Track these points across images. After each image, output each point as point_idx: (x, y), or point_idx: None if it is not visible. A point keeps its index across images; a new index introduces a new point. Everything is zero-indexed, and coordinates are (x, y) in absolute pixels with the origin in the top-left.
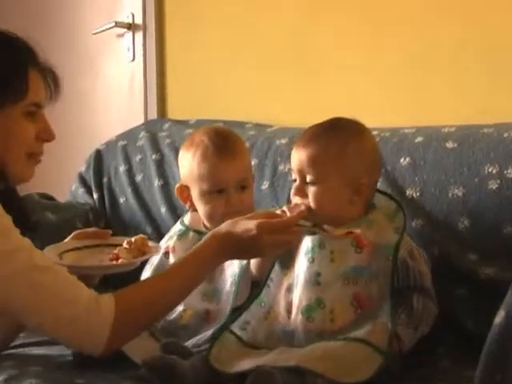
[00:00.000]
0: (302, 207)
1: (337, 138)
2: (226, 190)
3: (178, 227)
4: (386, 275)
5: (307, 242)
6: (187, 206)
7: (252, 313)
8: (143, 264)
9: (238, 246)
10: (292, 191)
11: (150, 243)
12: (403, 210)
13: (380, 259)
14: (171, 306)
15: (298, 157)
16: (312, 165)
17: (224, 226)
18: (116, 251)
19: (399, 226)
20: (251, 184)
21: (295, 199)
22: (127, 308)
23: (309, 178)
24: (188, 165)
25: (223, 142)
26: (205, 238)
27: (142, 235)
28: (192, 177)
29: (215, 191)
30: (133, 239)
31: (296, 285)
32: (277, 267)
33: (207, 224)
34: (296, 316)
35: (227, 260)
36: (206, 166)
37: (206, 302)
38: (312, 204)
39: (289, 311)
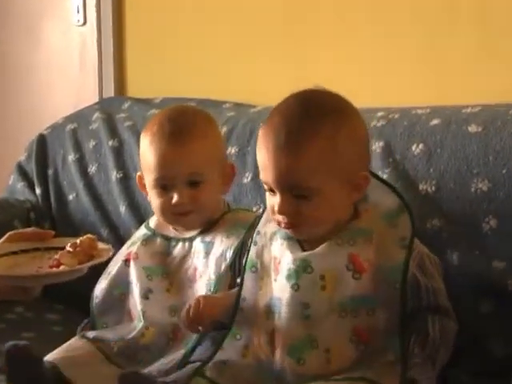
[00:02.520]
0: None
1: (323, 128)
2: (173, 185)
3: (142, 231)
4: (393, 304)
5: (287, 260)
6: (148, 197)
7: (227, 350)
8: (96, 272)
9: None
10: (275, 208)
11: (100, 245)
12: (409, 208)
13: (385, 286)
14: None
15: (276, 166)
16: (302, 176)
17: None
18: (57, 256)
19: (405, 235)
20: (212, 178)
21: (278, 218)
22: None
23: (299, 192)
24: (141, 151)
25: (175, 125)
26: None
27: (89, 235)
28: (143, 166)
29: (160, 185)
30: (78, 241)
31: (278, 312)
32: (249, 278)
33: (164, 222)
34: (282, 356)
35: None
36: (152, 154)
37: (174, 318)
38: (308, 222)
39: (271, 344)
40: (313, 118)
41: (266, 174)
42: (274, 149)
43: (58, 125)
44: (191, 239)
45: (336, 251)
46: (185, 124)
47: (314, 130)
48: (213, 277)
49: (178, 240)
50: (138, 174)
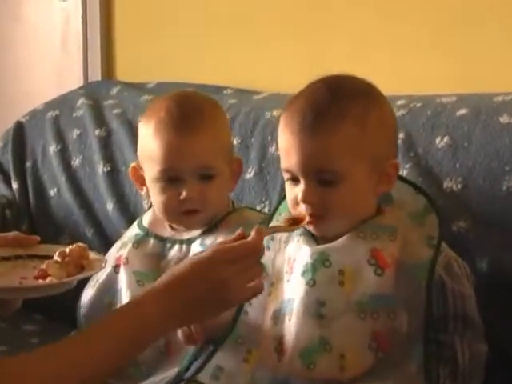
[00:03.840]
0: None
1: (352, 109)
2: (181, 179)
3: (134, 231)
4: (417, 306)
5: (304, 255)
6: (142, 192)
7: (225, 354)
8: (83, 283)
9: (190, 296)
10: (298, 197)
11: (92, 254)
12: (437, 208)
13: (409, 284)
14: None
15: (302, 149)
16: (329, 159)
17: (169, 271)
18: (44, 266)
19: (432, 235)
20: (223, 172)
21: (302, 208)
22: None
23: (325, 177)
24: (142, 139)
25: (184, 112)
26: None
27: (80, 244)
28: (143, 156)
29: (166, 179)
30: (67, 249)
31: (289, 313)
32: None
33: (166, 221)
34: (291, 360)
35: (179, 325)
36: (157, 144)
37: None
38: (332, 212)
39: (279, 351)
40: (342, 100)
41: (290, 159)
42: (299, 131)
43: (38, 111)
44: (189, 241)
45: (357, 244)
46: (196, 110)
47: (343, 112)
48: None
49: (174, 241)
50: (133, 164)
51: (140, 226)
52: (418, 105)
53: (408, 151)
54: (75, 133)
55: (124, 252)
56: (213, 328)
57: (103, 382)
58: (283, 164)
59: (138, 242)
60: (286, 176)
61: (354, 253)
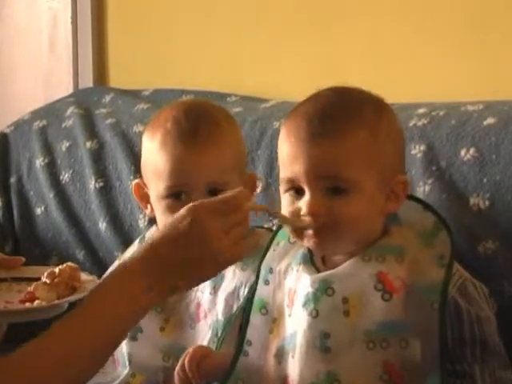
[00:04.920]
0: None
1: (363, 115)
2: (188, 195)
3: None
4: (430, 333)
5: (304, 284)
6: (147, 211)
7: None
8: (74, 306)
9: (170, 257)
10: (304, 209)
11: (84, 276)
12: (447, 225)
13: (420, 309)
14: (83, 377)
15: (309, 155)
16: (340, 165)
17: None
18: (31, 288)
19: (443, 254)
20: (234, 187)
21: (305, 223)
22: None
23: (336, 185)
24: (146, 153)
25: (193, 123)
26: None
27: (70, 264)
28: (148, 171)
29: (173, 195)
30: (56, 270)
31: (292, 350)
32: (257, 320)
33: None
34: None
35: (166, 294)
36: (164, 158)
37: (169, 363)
38: (340, 225)
39: None
40: (352, 105)
41: (294, 167)
42: (306, 136)
43: (23, 121)
44: None
45: (362, 269)
46: (206, 121)
47: (354, 117)
48: (221, 318)
49: None
50: (137, 181)
51: None
52: (441, 113)
53: (430, 165)
54: (64, 145)
55: None
56: (210, 371)
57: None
58: (286, 173)
59: None
60: (285, 188)
61: (358, 278)
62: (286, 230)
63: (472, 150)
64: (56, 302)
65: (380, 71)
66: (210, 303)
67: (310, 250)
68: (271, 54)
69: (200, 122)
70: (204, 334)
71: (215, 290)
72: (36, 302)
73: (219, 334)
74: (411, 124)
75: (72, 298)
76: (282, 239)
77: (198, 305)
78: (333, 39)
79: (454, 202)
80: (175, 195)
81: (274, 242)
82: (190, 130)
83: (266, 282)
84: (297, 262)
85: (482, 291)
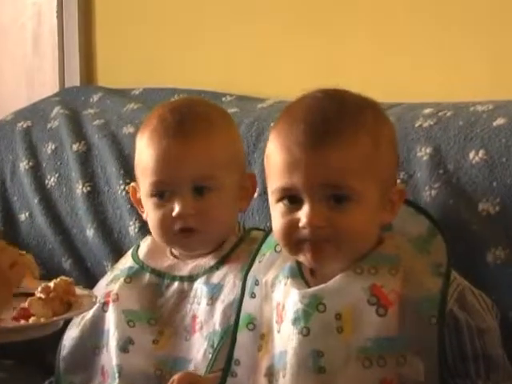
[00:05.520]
0: None
1: (364, 120)
2: (175, 193)
3: (127, 262)
4: (429, 348)
5: (293, 300)
6: (144, 215)
7: None
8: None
9: None
10: (302, 221)
11: (78, 290)
12: (441, 230)
13: (417, 323)
14: None
15: (311, 162)
16: (344, 173)
17: None
18: (25, 304)
19: (440, 261)
20: (227, 186)
21: (302, 235)
22: None
23: (338, 194)
24: (137, 153)
25: (179, 118)
26: None
27: (64, 277)
28: (137, 171)
29: (160, 193)
30: (51, 284)
31: (283, 369)
32: (245, 337)
33: (164, 244)
34: None
35: None
36: (149, 154)
37: (160, 377)
38: (340, 236)
39: None
40: (352, 110)
41: (292, 176)
42: (307, 142)
43: (6, 122)
44: (191, 278)
45: (354, 282)
46: (193, 114)
47: (356, 122)
48: (218, 329)
49: (173, 278)
50: (132, 184)
51: (134, 257)
52: (449, 114)
53: (437, 168)
54: (50, 147)
55: (114, 287)
56: None
57: None
58: (281, 182)
59: (132, 277)
60: (279, 197)
61: (351, 293)
62: (272, 240)
63: (481, 153)
64: (54, 318)
65: (383, 69)
66: (206, 314)
67: (298, 262)
68: (268, 51)
69: (186, 117)
70: (199, 345)
71: (212, 300)
72: (31, 320)
73: (215, 345)
74: (417, 125)
75: (70, 314)
76: (268, 249)
77: (194, 317)
78: (333, 35)
79: (461, 208)
80: (162, 193)
81: (260, 253)
82: (176, 124)
83: (253, 295)
84: (284, 274)
85: (483, 300)
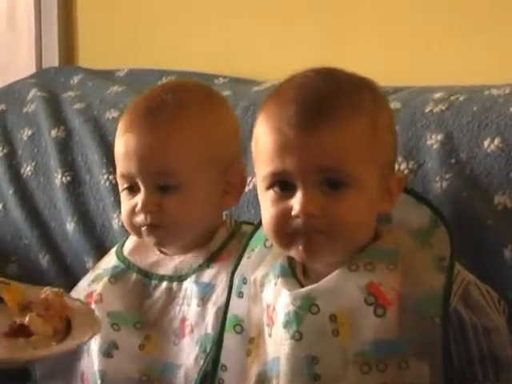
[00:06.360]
0: None
1: (362, 99)
2: (140, 187)
3: (111, 261)
4: (433, 350)
5: (284, 301)
6: None
7: None
8: None
9: None
10: (295, 209)
11: (67, 300)
12: (445, 221)
13: (419, 323)
14: None
15: (304, 145)
16: (340, 155)
17: None
18: (26, 321)
19: (443, 255)
20: (196, 183)
21: (295, 225)
22: None
23: (334, 178)
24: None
25: (152, 103)
26: None
27: (54, 290)
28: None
29: (126, 186)
30: (46, 295)
31: (276, 377)
32: (232, 340)
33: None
34: None
35: None
36: (118, 145)
37: (146, 383)
38: (336, 225)
39: None
40: (348, 89)
41: (285, 159)
42: (300, 123)
43: None
44: (180, 278)
45: (349, 280)
46: (166, 104)
47: (352, 102)
48: (210, 332)
49: (161, 278)
50: None
51: (119, 255)
52: (462, 98)
53: (448, 157)
54: (26, 133)
55: (97, 287)
56: None
57: None
58: (271, 167)
59: (116, 277)
60: (269, 183)
61: (346, 292)
62: (262, 234)
63: (497, 141)
64: (69, 343)
65: (391, 51)
66: (197, 316)
67: (289, 260)
68: (265, 29)
69: (158, 106)
70: (189, 350)
71: (203, 301)
72: (33, 338)
73: (208, 350)
74: (427, 110)
75: (74, 343)
76: (257, 244)
77: (183, 320)
78: (338, 13)
79: (475, 201)
80: (128, 186)
81: (248, 249)
82: (144, 114)
83: (240, 295)
84: (275, 273)
85: (490, 295)
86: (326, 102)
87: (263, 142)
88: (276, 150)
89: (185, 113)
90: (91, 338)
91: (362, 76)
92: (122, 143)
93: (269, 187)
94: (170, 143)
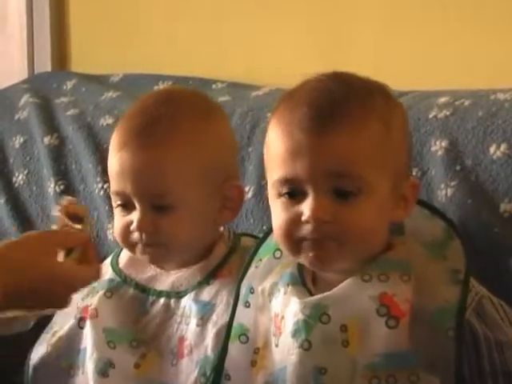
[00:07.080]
0: None
1: (375, 104)
2: (134, 204)
3: (107, 273)
4: (445, 365)
5: (293, 309)
6: None
7: None
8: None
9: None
10: (306, 214)
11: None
12: (459, 234)
13: (433, 337)
14: None
15: (316, 151)
16: (353, 161)
17: None
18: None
19: (458, 268)
20: (190, 202)
21: (304, 233)
22: None
23: (346, 185)
24: None
25: (146, 118)
26: None
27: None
28: None
29: (120, 203)
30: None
31: None
32: (237, 350)
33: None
34: None
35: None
36: (112, 161)
37: None
38: (348, 234)
39: None
40: (361, 93)
41: (296, 165)
42: (312, 126)
43: None
44: (179, 295)
45: (362, 290)
46: (157, 117)
47: (366, 106)
48: (210, 354)
49: (159, 294)
50: None
51: (115, 267)
52: (467, 103)
53: (453, 164)
54: (18, 140)
55: (92, 302)
56: None
57: None
58: (282, 172)
59: (112, 290)
60: (279, 191)
61: (358, 302)
62: (271, 243)
63: (503, 147)
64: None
65: (395, 54)
66: (196, 337)
67: (299, 269)
68: (263, 32)
69: (149, 121)
70: (189, 372)
71: (203, 321)
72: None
73: (208, 374)
74: (431, 115)
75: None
76: (266, 254)
77: (182, 339)
78: (339, 14)
79: (481, 209)
80: (122, 203)
81: (256, 258)
82: (137, 131)
83: (247, 304)
84: (284, 282)
85: (503, 309)
86: (338, 105)
87: (274, 148)
88: (287, 154)
89: (179, 130)
90: None
91: (374, 80)
92: (116, 162)
93: (280, 193)
94: (165, 163)
